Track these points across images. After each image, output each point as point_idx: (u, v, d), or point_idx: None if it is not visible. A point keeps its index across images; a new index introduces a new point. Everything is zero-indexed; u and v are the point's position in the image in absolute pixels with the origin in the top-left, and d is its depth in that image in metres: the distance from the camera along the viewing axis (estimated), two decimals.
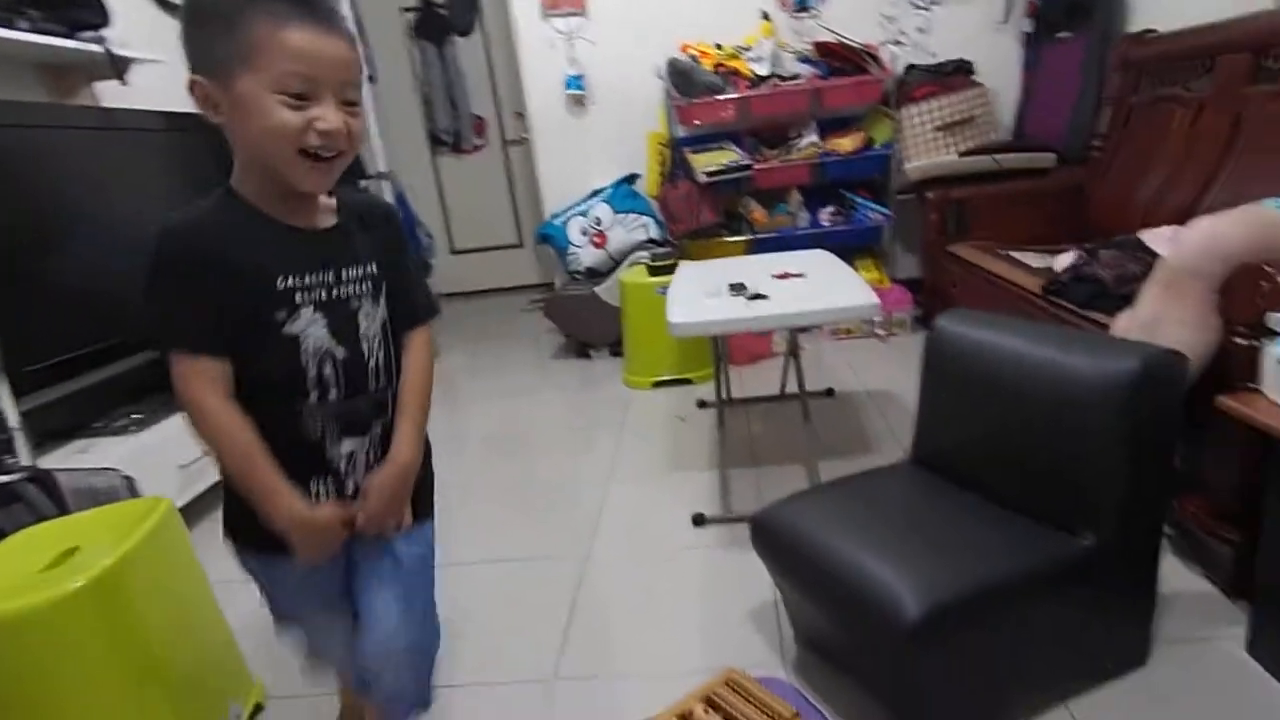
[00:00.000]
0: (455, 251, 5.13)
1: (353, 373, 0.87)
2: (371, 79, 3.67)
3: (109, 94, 2.46)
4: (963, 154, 3.15)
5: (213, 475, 2.21)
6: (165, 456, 2.00)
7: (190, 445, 2.11)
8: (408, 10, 4.68)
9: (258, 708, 1.41)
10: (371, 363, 0.89)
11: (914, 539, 1.17)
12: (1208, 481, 1.45)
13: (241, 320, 0.80)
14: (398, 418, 0.92)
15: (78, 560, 1.10)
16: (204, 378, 0.79)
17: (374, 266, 0.89)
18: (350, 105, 0.81)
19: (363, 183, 3.70)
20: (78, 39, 2.15)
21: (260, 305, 0.81)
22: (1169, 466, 1.19)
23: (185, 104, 2.55)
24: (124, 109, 2.42)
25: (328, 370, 0.85)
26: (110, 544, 1.11)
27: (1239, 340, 1.31)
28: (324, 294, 0.85)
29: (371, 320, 0.89)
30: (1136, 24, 2.84)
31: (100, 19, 2.23)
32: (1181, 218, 1.90)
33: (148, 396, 2.22)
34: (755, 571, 1.59)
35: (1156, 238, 2.01)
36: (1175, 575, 1.51)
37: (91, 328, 2.03)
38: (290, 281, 0.82)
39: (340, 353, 0.86)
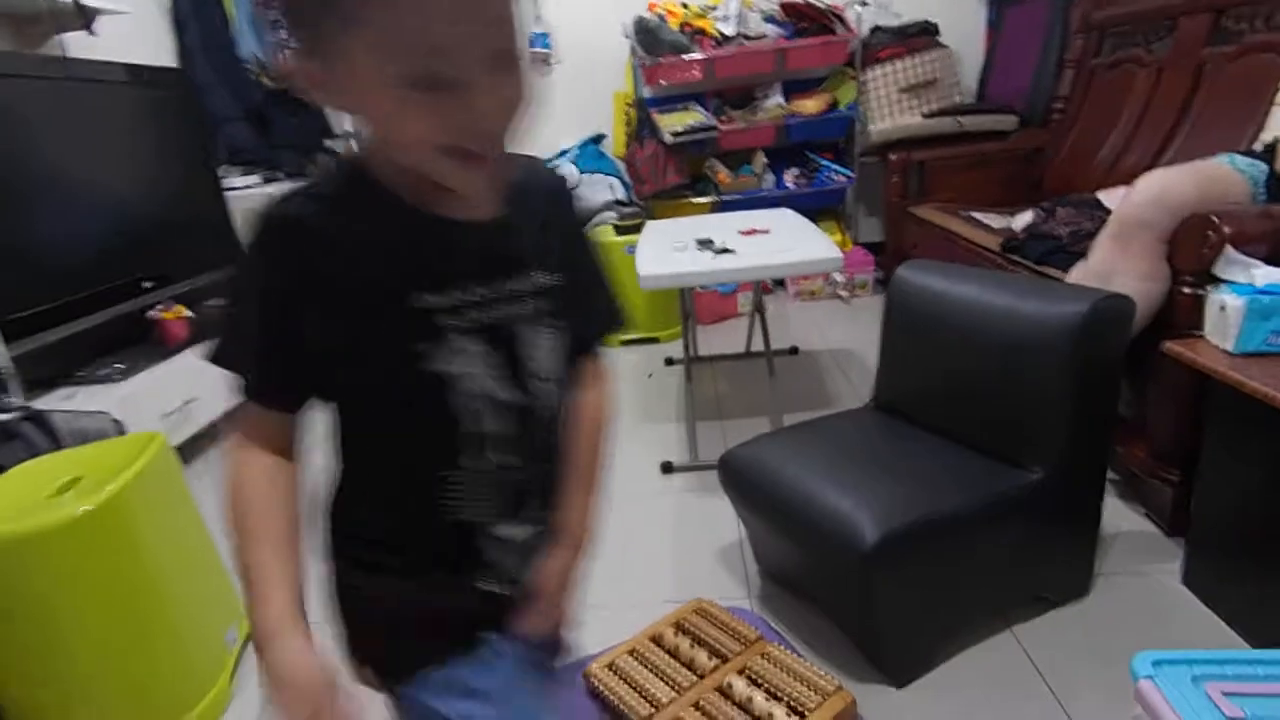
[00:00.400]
0: None
1: (524, 425, 0.62)
2: None
3: (75, 45, 2.38)
4: (927, 115, 3.18)
5: (195, 423, 2.23)
6: (148, 405, 2.04)
7: (172, 393, 2.15)
8: None
9: (250, 635, 1.42)
10: (543, 414, 0.64)
11: (872, 473, 1.22)
12: (1151, 426, 1.52)
13: (365, 353, 0.58)
14: (568, 481, 0.69)
15: (81, 488, 1.14)
16: (251, 425, 0.60)
17: (549, 274, 0.63)
18: (504, 70, 0.52)
19: (328, 142, 3.61)
20: None
21: (392, 333, 0.57)
22: (1113, 405, 1.25)
23: (148, 57, 2.45)
24: (89, 60, 2.35)
25: (488, 422, 0.60)
26: (111, 474, 1.14)
27: (1185, 289, 1.37)
28: (483, 316, 0.59)
29: (549, 351, 0.64)
30: None
31: None
32: (1138, 177, 1.97)
33: (129, 347, 2.27)
34: (722, 514, 1.64)
35: (1112, 196, 2.08)
36: (1119, 516, 1.59)
37: (69, 279, 2.05)
38: (436, 299, 0.57)
39: (505, 396, 0.61)
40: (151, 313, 2.36)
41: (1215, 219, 1.28)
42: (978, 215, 2.67)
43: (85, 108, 2.22)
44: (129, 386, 2.05)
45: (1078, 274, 1.56)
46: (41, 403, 1.85)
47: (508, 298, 0.60)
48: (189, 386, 2.23)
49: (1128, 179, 2.19)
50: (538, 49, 3.52)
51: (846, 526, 1.10)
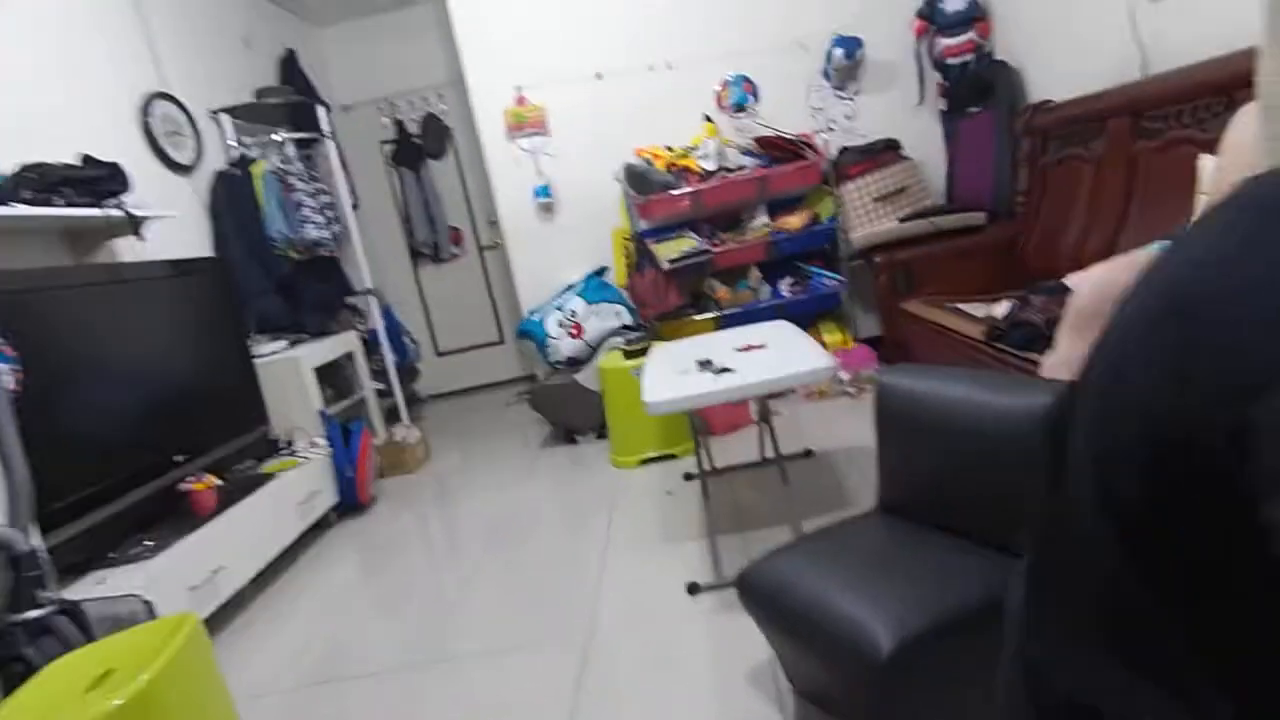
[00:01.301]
0: (440, 354, 5.31)
1: None
2: (355, 206, 3.94)
3: (124, 248, 2.69)
4: (902, 220, 3.42)
5: (222, 594, 2.30)
6: (177, 579, 2.09)
7: (200, 565, 2.21)
8: (386, 142, 5.05)
9: None
10: None
11: (884, 578, 1.29)
12: None
13: None
14: None
15: (114, 681, 1.18)
16: None
17: None
18: None
19: (350, 300, 3.92)
20: (103, 206, 2.39)
21: None
22: None
23: (189, 246, 2.77)
24: (135, 262, 2.64)
25: None
26: (143, 663, 1.18)
27: None
28: None
29: None
30: (1034, 96, 3.17)
31: (122, 186, 2.48)
32: (1104, 259, 2.11)
33: (156, 524, 2.33)
34: (751, 632, 1.69)
35: (1077, 280, 2.22)
36: None
37: (107, 464, 2.17)
38: None
39: None
40: (182, 484, 2.46)
41: None
42: (962, 306, 2.83)
43: (130, 304, 2.45)
44: (159, 563, 2.08)
45: (1049, 362, 1.68)
46: (74, 590, 1.90)
47: None
48: (217, 556, 2.29)
49: (1094, 261, 2.36)
50: (540, 199, 3.87)
51: (863, 635, 1.17)
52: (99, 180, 2.39)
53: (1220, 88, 2.01)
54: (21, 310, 1.97)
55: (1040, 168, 3.02)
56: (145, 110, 3.13)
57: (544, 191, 3.86)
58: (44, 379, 1.95)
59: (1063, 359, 1.60)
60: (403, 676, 1.95)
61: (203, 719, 1.29)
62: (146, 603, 1.68)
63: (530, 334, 3.77)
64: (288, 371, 3.17)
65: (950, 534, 1.41)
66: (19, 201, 2.11)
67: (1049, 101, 2.99)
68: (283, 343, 3.36)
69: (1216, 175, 1.76)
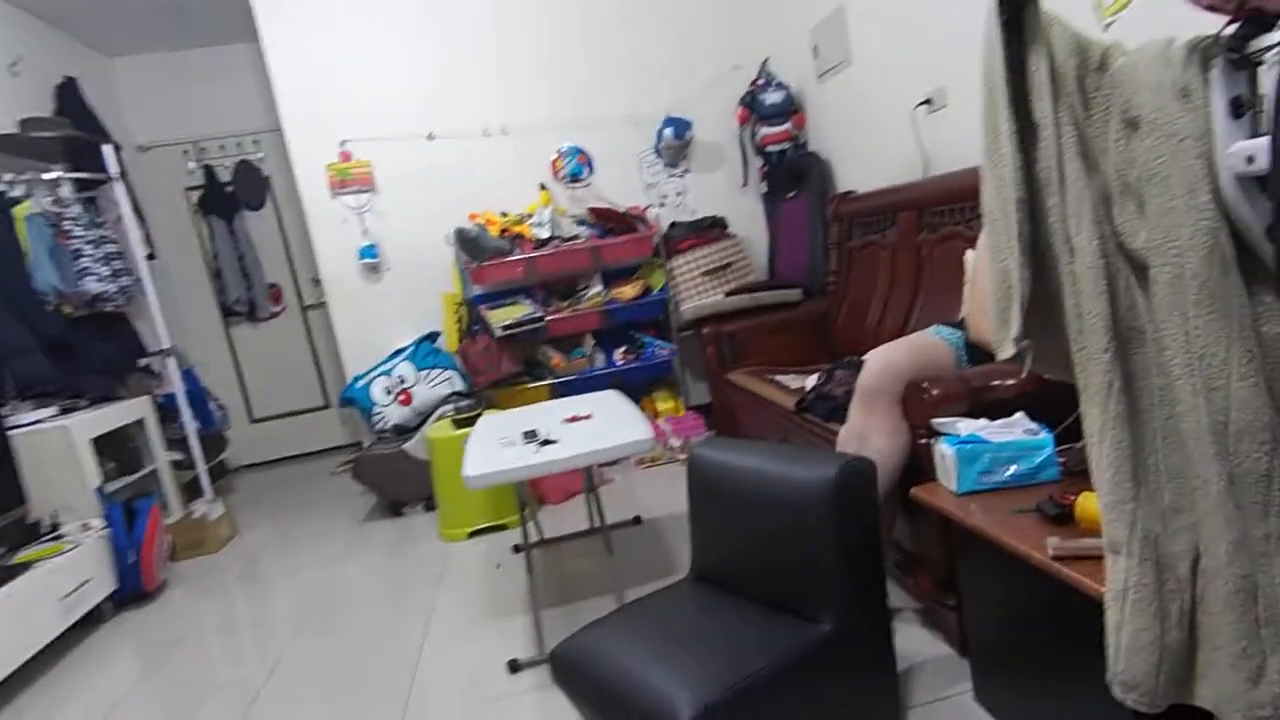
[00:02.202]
0: (255, 420, 4.86)
1: None
2: (151, 257, 3.56)
3: None
4: (727, 294, 3.63)
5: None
6: None
7: None
8: (193, 189, 4.65)
9: None
10: None
11: (688, 649, 1.30)
12: (926, 559, 1.74)
13: None
14: None
15: None
16: None
17: None
18: None
19: (142, 361, 3.50)
20: None
21: None
22: (876, 551, 1.43)
23: None
24: None
25: None
26: None
27: (921, 441, 1.64)
28: None
29: None
30: (841, 185, 3.54)
31: None
32: (898, 338, 2.35)
33: None
34: (570, 710, 1.63)
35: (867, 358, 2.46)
36: (923, 644, 1.76)
37: None
38: None
39: None
40: None
41: (925, 385, 1.58)
42: (779, 378, 3.02)
43: None
44: None
45: (843, 434, 1.82)
46: None
47: None
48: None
49: (891, 338, 2.63)
50: (365, 259, 3.71)
51: (665, 707, 1.16)
52: None
53: (978, 192, 2.34)
54: None
55: (847, 250, 3.34)
56: None
57: (370, 252, 3.72)
58: None
59: (855, 430, 1.75)
60: None
61: None
62: None
63: (354, 401, 3.55)
64: (55, 442, 2.76)
65: (754, 601, 1.46)
66: None
67: (852, 192, 3.34)
68: (51, 409, 2.92)
69: (974, 269, 2.04)
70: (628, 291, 3.68)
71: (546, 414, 2.38)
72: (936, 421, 1.53)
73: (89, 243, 3.21)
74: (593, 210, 3.70)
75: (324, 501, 3.84)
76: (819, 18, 3.37)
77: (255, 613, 2.75)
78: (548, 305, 3.67)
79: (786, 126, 3.70)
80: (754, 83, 3.74)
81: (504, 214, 3.69)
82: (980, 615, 1.50)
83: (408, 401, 3.49)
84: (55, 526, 2.66)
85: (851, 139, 3.43)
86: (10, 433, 2.65)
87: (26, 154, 3.29)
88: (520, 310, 3.53)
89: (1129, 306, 0.95)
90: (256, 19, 3.57)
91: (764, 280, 3.83)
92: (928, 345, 1.80)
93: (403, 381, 3.51)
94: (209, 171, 4.65)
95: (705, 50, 3.93)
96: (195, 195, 4.67)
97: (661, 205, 3.92)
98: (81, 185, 3.35)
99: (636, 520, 2.82)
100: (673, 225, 3.84)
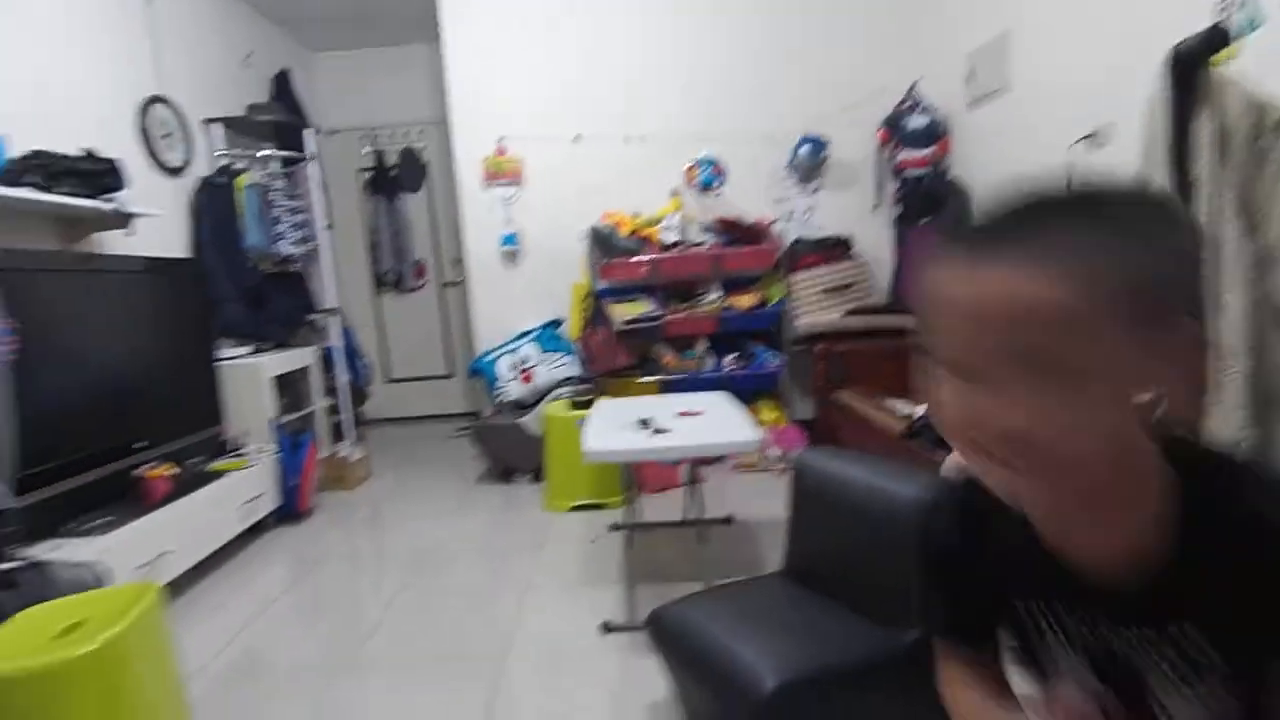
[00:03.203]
0: (390, 380, 5.37)
1: None
2: (328, 227, 4.06)
3: (110, 241, 2.80)
4: (845, 314, 3.70)
5: (165, 576, 2.35)
6: (126, 556, 2.18)
7: (148, 547, 2.30)
8: (364, 170, 5.20)
9: None
10: None
11: (775, 630, 1.45)
12: None
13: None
14: None
15: (84, 631, 1.29)
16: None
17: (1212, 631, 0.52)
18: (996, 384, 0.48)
19: (312, 316, 3.99)
20: (99, 199, 2.51)
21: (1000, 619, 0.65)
22: None
23: (165, 250, 2.93)
24: (116, 255, 2.76)
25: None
26: (110, 620, 1.30)
27: None
28: (1097, 644, 0.58)
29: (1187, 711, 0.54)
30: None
31: (119, 183, 2.59)
32: None
33: (114, 502, 2.44)
34: (655, 673, 1.82)
35: None
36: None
37: (73, 439, 2.29)
38: (1029, 605, 0.62)
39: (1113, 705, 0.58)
40: (138, 470, 2.55)
41: None
42: (889, 402, 3.07)
43: (107, 294, 2.55)
44: (110, 540, 2.20)
45: (947, 461, 1.89)
46: (33, 553, 1.97)
47: (1137, 640, 0.54)
48: (163, 540, 2.39)
49: None
50: (506, 246, 4.05)
51: (750, 675, 1.32)
52: (98, 175, 2.49)
53: None
54: (11, 287, 2.05)
55: None
56: (143, 111, 3.23)
57: (511, 240, 4.05)
58: (24, 353, 2.04)
59: (953, 461, 1.82)
60: (314, 678, 2.06)
61: (158, 677, 1.39)
62: (102, 571, 1.77)
63: (482, 372, 3.89)
64: (247, 377, 3.25)
65: (840, 602, 1.58)
66: (25, 185, 2.20)
67: None
68: (245, 349, 3.42)
69: None
70: (745, 301, 3.82)
71: (659, 406, 2.57)
72: None
73: (287, 211, 3.72)
74: (720, 219, 3.86)
75: (442, 460, 4.22)
76: (979, 42, 3.34)
77: (379, 549, 3.14)
78: (667, 306, 3.86)
79: (928, 152, 3.71)
80: (899, 105, 3.77)
81: (635, 215, 3.92)
82: None
83: (528, 380, 3.79)
84: (240, 446, 3.14)
85: (997, 169, 3.39)
86: (218, 364, 3.16)
87: (249, 134, 3.87)
88: (641, 308, 3.74)
89: (1274, 369, 0.95)
90: (441, 23, 3.97)
91: (884, 304, 3.86)
92: None
93: (526, 361, 3.82)
94: (378, 156, 5.18)
95: (849, 70, 4.00)
96: (364, 176, 5.22)
97: (788, 220, 4.03)
98: (285, 162, 3.87)
99: (728, 520, 2.96)
100: (797, 241, 3.95)
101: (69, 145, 2.53)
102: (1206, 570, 0.50)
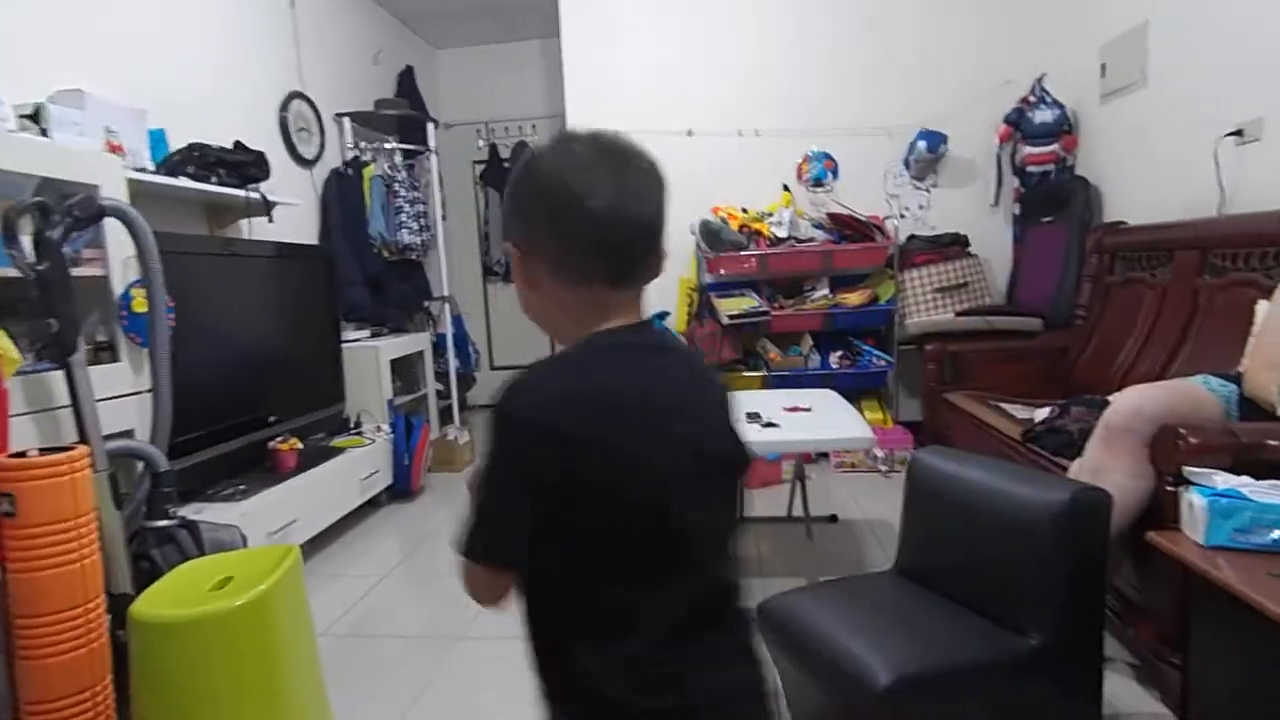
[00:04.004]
0: (494, 367, 5.56)
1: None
2: (444, 218, 4.24)
3: (247, 227, 3.05)
4: (958, 314, 3.54)
5: (297, 539, 2.53)
6: (259, 522, 2.35)
7: (278, 515, 2.47)
8: (478, 163, 5.41)
9: None
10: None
11: (887, 626, 1.41)
12: (1151, 611, 1.67)
13: None
14: None
15: (235, 585, 1.41)
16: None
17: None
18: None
19: (426, 303, 4.19)
20: (245, 189, 2.73)
21: None
22: (1099, 586, 1.43)
23: (295, 236, 3.12)
24: (251, 240, 3.00)
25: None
26: (258, 577, 1.41)
27: (1166, 487, 1.57)
28: None
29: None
30: (1109, 215, 3.28)
31: (264, 173, 2.81)
32: (1151, 383, 2.19)
33: (248, 471, 2.63)
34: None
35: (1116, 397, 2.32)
36: (1135, 698, 1.69)
37: (216, 411, 2.48)
38: None
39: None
40: (271, 443, 2.75)
41: (1183, 431, 1.52)
42: (1005, 405, 2.92)
43: (243, 277, 2.76)
44: (246, 505, 2.38)
45: (1074, 468, 1.78)
46: (183, 514, 2.18)
47: None
48: (292, 509, 2.56)
49: (1142, 383, 2.44)
50: None
51: (864, 669, 1.29)
52: (246, 165, 2.71)
53: None
54: (168, 267, 2.25)
55: (1104, 286, 3.11)
56: (284, 106, 3.48)
57: None
58: (176, 330, 2.23)
59: (1090, 466, 1.71)
60: (426, 645, 2.17)
61: (298, 633, 1.50)
62: (243, 535, 1.92)
63: None
64: (367, 359, 3.45)
65: (956, 602, 1.52)
66: (183, 175, 2.42)
67: (1122, 223, 3.09)
68: (366, 332, 3.64)
69: (1266, 321, 1.86)
70: (853, 298, 3.72)
71: (766, 400, 2.54)
72: (1190, 470, 1.47)
73: (408, 201, 3.92)
74: (831, 215, 3.78)
75: None
76: (1115, 33, 3.14)
77: None
78: (773, 301, 3.81)
79: (1054, 148, 3.50)
80: (1024, 99, 3.58)
81: (745, 210, 3.89)
82: (1211, 679, 1.43)
83: None
84: (358, 424, 3.34)
85: (1130, 166, 3.17)
86: (341, 345, 3.37)
87: (376, 127, 4.10)
88: (747, 303, 3.71)
89: None
90: (562, 19, 4.07)
91: (1000, 305, 3.67)
92: (1191, 394, 1.70)
93: None
94: (493, 149, 5.37)
95: (970, 63, 3.82)
96: (478, 169, 5.43)
97: (902, 217, 3.90)
98: (407, 154, 4.08)
99: (833, 518, 2.90)
100: (910, 238, 3.81)
101: (220, 138, 2.76)
102: None
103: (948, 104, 3.82)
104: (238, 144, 2.81)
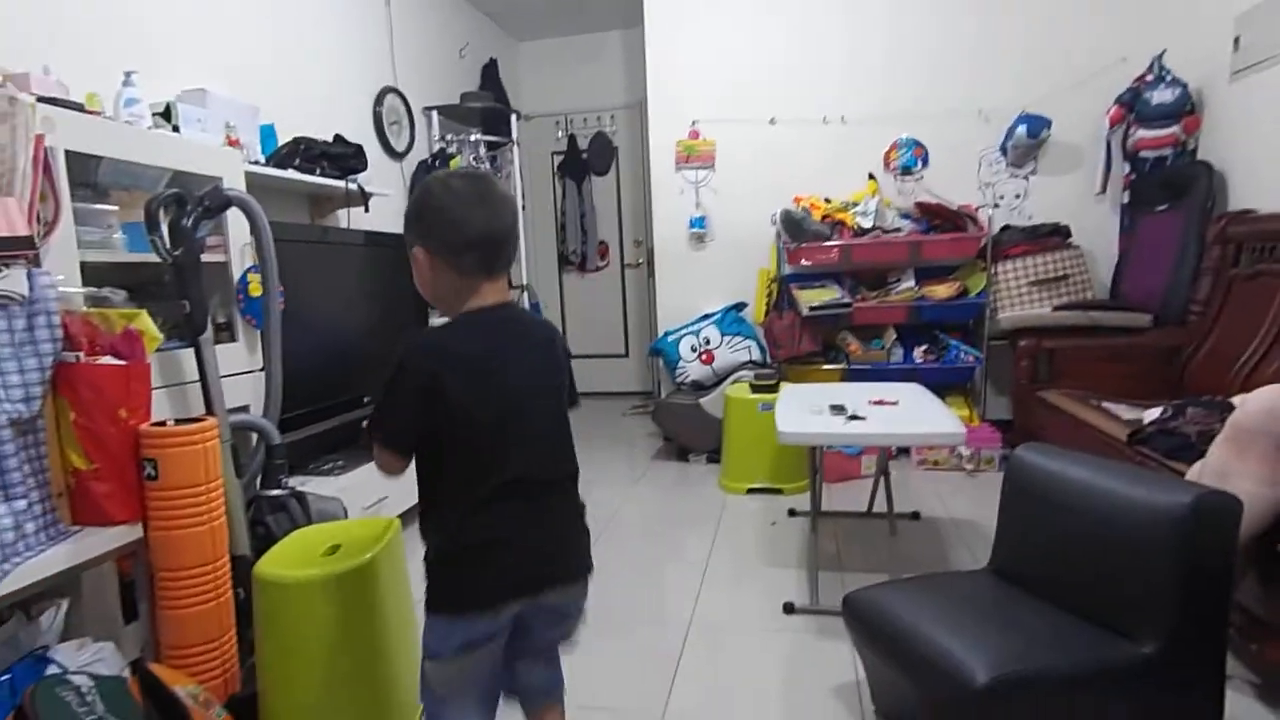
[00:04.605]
0: (570, 356, 5.64)
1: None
2: (523, 208, 4.33)
3: (348, 216, 3.20)
4: (1057, 308, 3.37)
5: (388, 514, 2.64)
6: (354, 497, 2.45)
7: (371, 491, 2.58)
8: (556, 154, 5.49)
9: None
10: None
11: (983, 625, 1.36)
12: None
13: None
14: None
15: (344, 552, 1.49)
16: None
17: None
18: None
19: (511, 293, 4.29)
20: (346, 180, 2.87)
21: None
22: (1224, 596, 1.34)
23: (383, 226, 3.23)
24: (342, 229, 3.13)
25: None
26: (365, 545, 1.49)
27: None
28: None
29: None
30: (1235, 203, 3.04)
31: (363, 165, 2.94)
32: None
33: (345, 448, 2.76)
34: (841, 656, 1.78)
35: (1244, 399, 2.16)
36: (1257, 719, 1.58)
37: (313, 391, 2.59)
38: None
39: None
40: (365, 422, 2.88)
41: None
42: (1108, 405, 2.76)
43: (338, 264, 2.88)
44: (344, 480, 2.50)
45: (1195, 471, 1.67)
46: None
47: None
48: (384, 487, 2.67)
49: (1269, 384, 2.26)
50: (694, 229, 4.09)
51: (959, 667, 1.25)
52: (346, 157, 2.84)
53: None
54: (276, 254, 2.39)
55: (1227, 279, 2.89)
56: (378, 100, 3.62)
57: (699, 223, 4.08)
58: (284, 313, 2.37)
59: (1215, 469, 1.60)
60: None
61: (400, 599, 1.58)
62: (344, 507, 2.03)
63: (663, 352, 3.98)
64: None
65: (1057, 605, 1.46)
66: (291, 168, 2.56)
67: (1251, 211, 2.87)
68: (447, 318, 3.75)
69: None
70: (941, 290, 3.59)
71: (851, 393, 2.49)
72: None
73: None
74: (920, 204, 3.65)
75: (617, 435, 4.38)
76: (1251, 2, 2.90)
77: None
78: (855, 293, 3.72)
79: (1172, 130, 3.27)
80: (1139, 79, 3.35)
81: (828, 200, 3.80)
82: None
83: (709, 361, 3.82)
84: None
85: (1262, 150, 2.92)
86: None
87: (461, 120, 4.21)
88: (829, 294, 3.64)
89: None
90: (646, 7, 4.06)
91: (1104, 299, 3.47)
92: None
93: (708, 343, 3.85)
94: (571, 140, 5.43)
95: (1076, 42, 3.61)
96: (557, 159, 5.50)
97: (996, 206, 3.73)
98: (490, 146, 4.17)
99: (915, 515, 2.82)
100: (1006, 228, 3.64)
101: (321, 131, 2.90)
102: None
103: (1052, 86, 3.63)
104: (337, 137, 2.94)
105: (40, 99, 1.44)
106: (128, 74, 1.88)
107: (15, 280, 1.25)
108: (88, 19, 2.12)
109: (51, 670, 1.33)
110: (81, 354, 1.35)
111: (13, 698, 1.28)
